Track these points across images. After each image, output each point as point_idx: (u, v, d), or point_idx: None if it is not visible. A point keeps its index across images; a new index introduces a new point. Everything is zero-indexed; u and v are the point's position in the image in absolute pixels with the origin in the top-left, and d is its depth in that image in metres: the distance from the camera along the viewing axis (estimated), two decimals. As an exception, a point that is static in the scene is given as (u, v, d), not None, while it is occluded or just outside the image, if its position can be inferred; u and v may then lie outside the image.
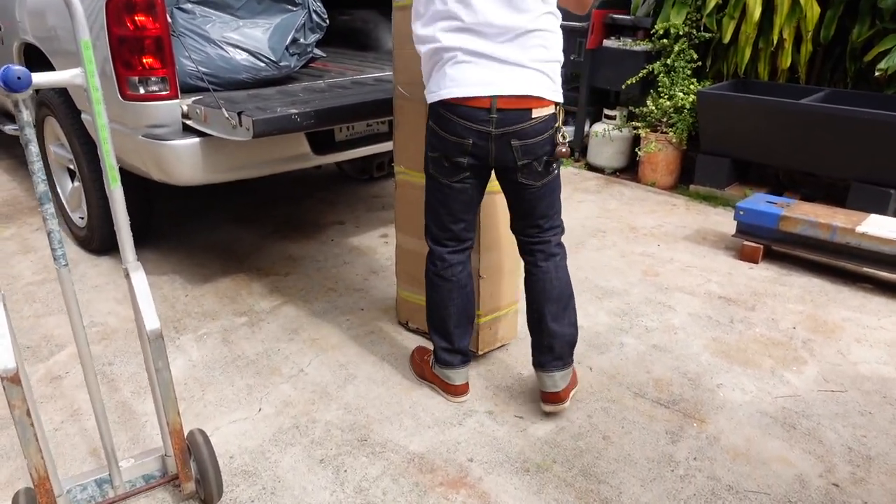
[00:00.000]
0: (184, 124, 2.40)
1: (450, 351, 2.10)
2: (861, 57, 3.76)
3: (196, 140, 2.36)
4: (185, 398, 2.17)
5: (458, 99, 1.76)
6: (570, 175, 4.49)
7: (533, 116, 1.76)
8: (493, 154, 1.81)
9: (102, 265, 3.11)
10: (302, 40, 2.75)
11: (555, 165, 1.87)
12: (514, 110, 1.75)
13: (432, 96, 1.82)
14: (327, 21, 2.89)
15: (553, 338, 1.98)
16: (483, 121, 1.76)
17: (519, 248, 2.04)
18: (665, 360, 2.38)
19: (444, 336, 2.09)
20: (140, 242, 3.27)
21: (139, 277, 1.52)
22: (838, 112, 3.37)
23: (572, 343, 2.03)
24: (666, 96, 4.08)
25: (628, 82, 4.22)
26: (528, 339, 2.08)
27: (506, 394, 2.19)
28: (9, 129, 3.73)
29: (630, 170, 4.51)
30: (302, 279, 3.00)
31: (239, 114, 2.13)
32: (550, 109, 1.79)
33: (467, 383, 2.16)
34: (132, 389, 2.22)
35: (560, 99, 1.83)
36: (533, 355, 2.06)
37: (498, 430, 2.02)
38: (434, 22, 1.76)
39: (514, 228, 2.01)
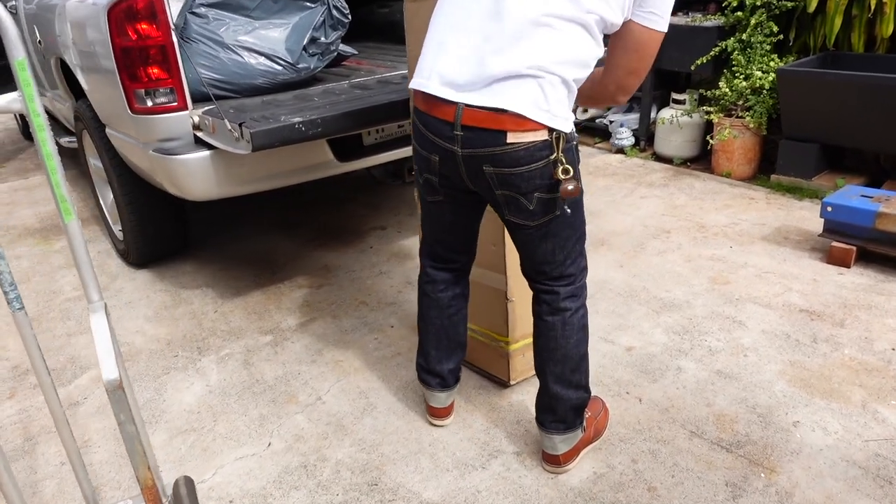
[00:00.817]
0: (195, 136, 2.27)
1: (425, 370, 1.91)
2: (981, 18, 3.19)
3: (207, 153, 2.23)
4: (196, 429, 2.04)
5: (421, 102, 1.48)
6: (634, 167, 4.11)
7: (508, 142, 1.37)
8: (465, 177, 1.49)
9: (139, 279, 3.07)
10: (322, 39, 2.56)
11: (552, 201, 1.46)
12: (483, 130, 1.38)
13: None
14: (349, 17, 2.68)
15: (555, 400, 1.69)
16: (447, 137, 1.44)
17: (532, 296, 1.71)
18: (730, 390, 2.05)
19: (422, 352, 1.92)
20: (177, 255, 3.22)
21: (99, 320, 1.37)
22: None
23: (579, 407, 1.72)
24: (742, 76, 3.63)
25: (698, 62, 3.79)
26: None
27: (538, 431, 1.93)
28: (65, 141, 3.78)
29: (702, 159, 4.08)
30: (334, 291, 2.84)
31: (240, 125, 1.97)
32: (541, 135, 1.37)
33: (448, 409, 1.96)
34: (145, 418, 2.12)
35: (560, 125, 1.38)
36: (535, 408, 1.77)
37: (525, 476, 1.77)
38: None
39: (521, 270, 1.70)
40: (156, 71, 2.17)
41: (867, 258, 2.74)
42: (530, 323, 1.98)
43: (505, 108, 1.35)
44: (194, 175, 2.24)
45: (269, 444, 1.96)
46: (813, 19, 3.52)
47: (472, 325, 2.07)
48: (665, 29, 1.44)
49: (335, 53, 2.67)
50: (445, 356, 1.89)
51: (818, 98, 3.27)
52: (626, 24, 1.43)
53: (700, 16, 3.85)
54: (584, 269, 1.65)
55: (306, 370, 2.30)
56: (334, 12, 2.58)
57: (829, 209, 2.73)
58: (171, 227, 3.02)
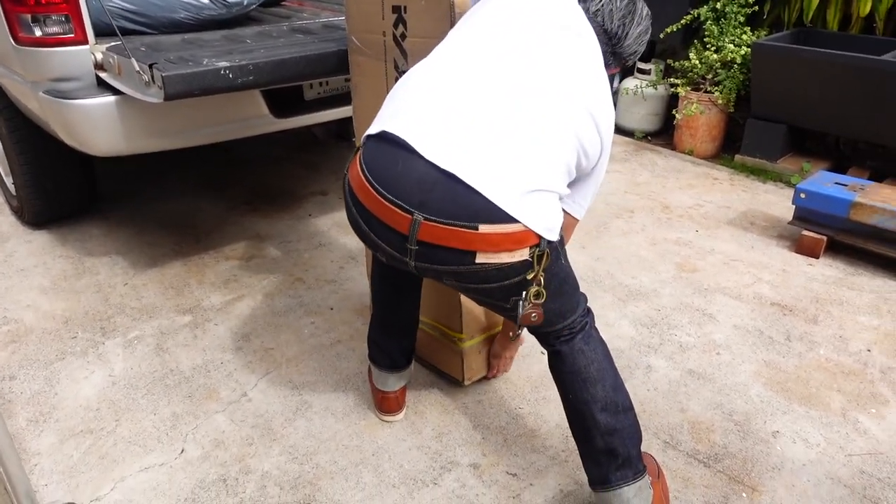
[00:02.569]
0: (98, 77, 1.87)
1: (376, 345, 1.69)
2: (957, 2, 3.08)
3: (111, 99, 1.85)
4: (93, 431, 1.71)
5: (360, 190, 1.17)
6: (594, 139, 3.89)
7: (477, 262, 1.11)
8: (420, 275, 1.25)
9: (35, 242, 2.64)
10: (261, -30, 2.19)
11: (530, 303, 1.20)
12: (443, 248, 1.11)
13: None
14: (295, -54, 2.30)
15: (610, 435, 1.33)
16: (399, 248, 1.16)
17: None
18: (705, 394, 1.87)
19: (373, 325, 1.69)
20: (83, 215, 2.80)
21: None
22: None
23: (637, 435, 1.38)
24: (713, 48, 3.43)
25: (667, 30, 3.57)
26: (529, 362, 1.58)
27: (498, 439, 1.70)
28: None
29: (664, 134, 3.90)
30: (266, 265, 2.51)
31: (151, 66, 1.60)
32: (520, 255, 1.12)
33: (398, 400, 1.73)
34: (30, 416, 1.77)
35: (549, 236, 1.14)
36: (586, 470, 1.41)
37: (484, 493, 1.54)
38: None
39: None
40: (46, -8, 1.75)
41: (835, 249, 2.62)
42: (487, 316, 1.74)
43: (485, 193, 1.09)
44: (96, 125, 1.86)
45: (182, 451, 1.65)
46: (789, -7, 3.35)
47: (424, 318, 1.80)
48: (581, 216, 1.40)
49: (273, -10, 2.29)
50: (395, 333, 1.67)
51: (792, 77, 3.11)
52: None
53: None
54: (583, 299, 1.39)
55: (230, 359, 1.99)
56: (273, -61, 2.19)
57: (803, 196, 2.58)
58: (74, 182, 2.60)
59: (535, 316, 1.19)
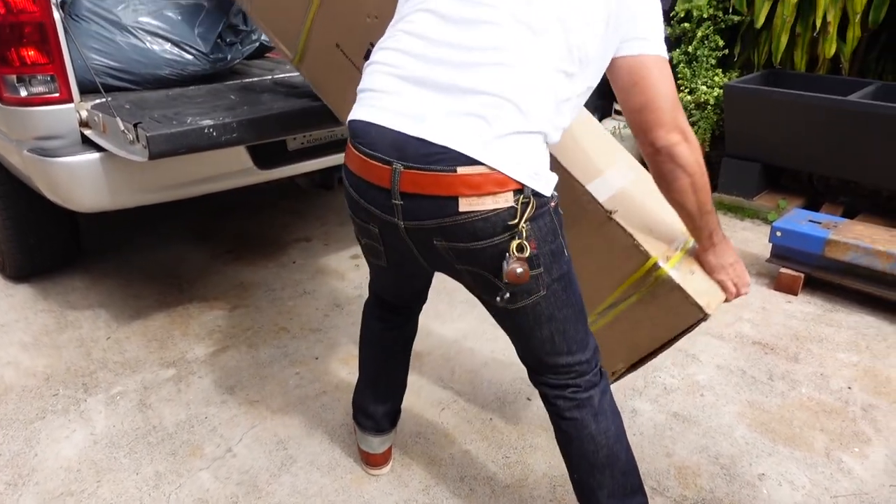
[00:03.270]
0: (83, 135, 1.89)
1: (360, 409, 1.69)
2: (917, 45, 3.21)
3: (96, 156, 1.86)
4: (73, 493, 1.68)
5: (351, 157, 1.17)
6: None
7: (461, 211, 1.06)
8: (415, 251, 1.19)
9: (17, 296, 2.62)
10: (242, 26, 2.23)
11: (541, 282, 1.15)
12: (428, 198, 1.07)
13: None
14: (277, 3, 2.36)
15: None
16: (385, 206, 1.13)
17: (538, 392, 1.37)
18: (690, 437, 1.88)
19: (358, 389, 1.70)
20: (67, 268, 2.79)
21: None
22: (894, 112, 2.82)
23: None
24: (686, 90, 3.53)
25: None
26: (515, 408, 1.58)
27: (485, 490, 1.69)
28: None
29: (643, 173, 3.97)
30: (251, 314, 2.51)
31: (136, 125, 1.62)
32: (504, 201, 1.06)
33: (384, 456, 1.73)
34: (9, 479, 1.73)
35: (532, 182, 1.08)
36: None
37: (472, 548, 1.53)
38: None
39: (519, 357, 1.36)
40: (31, 53, 1.78)
41: (813, 285, 2.67)
42: (656, 226, 1.42)
43: (460, 154, 1.04)
44: (80, 182, 1.87)
45: (166, 512, 1.63)
46: (758, 35, 3.47)
47: (604, 301, 1.49)
48: (662, 52, 1.18)
49: (257, 44, 2.34)
50: (382, 397, 1.66)
51: (764, 117, 3.20)
52: (613, 61, 1.18)
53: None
54: (596, 348, 1.31)
55: (215, 413, 1.97)
56: (256, -3, 2.24)
57: (779, 234, 2.64)
58: (58, 236, 2.59)
59: (520, 269, 1.08)
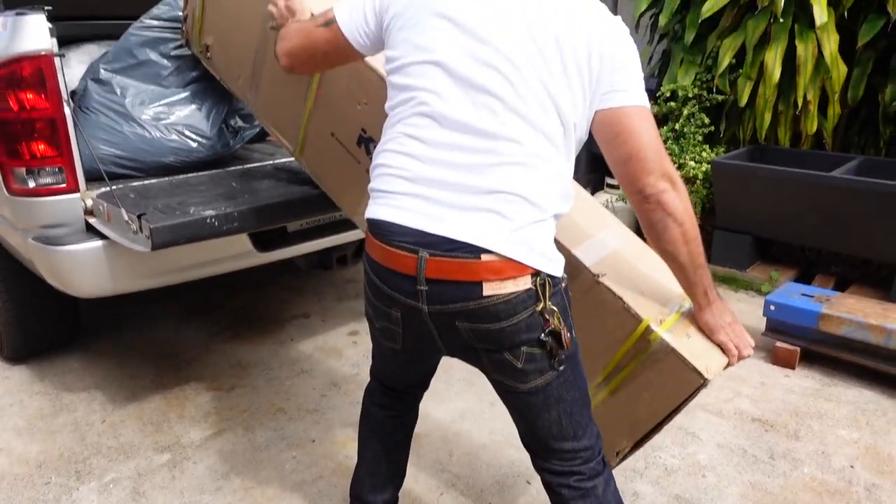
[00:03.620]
0: (87, 222, 1.94)
1: (357, 498, 1.65)
2: (895, 121, 3.33)
3: (99, 244, 1.90)
4: (61, 589, 1.64)
5: (374, 246, 1.22)
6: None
7: (485, 295, 1.13)
8: (436, 333, 1.23)
9: (13, 378, 2.61)
10: (246, 110, 2.32)
11: (549, 358, 1.19)
12: (453, 283, 1.13)
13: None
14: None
15: None
16: (409, 292, 1.18)
17: (540, 478, 1.37)
18: (693, 522, 1.85)
19: (356, 475, 1.66)
20: (65, 348, 2.79)
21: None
22: (878, 187, 2.90)
23: None
24: (675, 165, 3.64)
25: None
26: (514, 493, 1.55)
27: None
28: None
29: (637, 244, 4.03)
30: (248, 395, 2.49)
31: (140, 216, 1.67)
32: (524, 284, 1.13)
33: None
34: (-4, 575, 1.69)
35: (548, 268, 1.16)
36: None
37: None
38: (399, 77, 1.24)
39: (522, 442, 1.38)
40: (42, 147, 1.85)
41: (811, 358, 2.67)
42: (648, 289, 1.41)
43: (481, 246, 1.11)
44: (83, 269, 1.90)
45: None
46: (742, 113, 3.60)
47: (598, 377, 1.48)
48: (643, 102, 1.20)
49: (259, 128, 2.43)
50: (381, 486, 1.63)
51: (751, 192, 3.29)
52: (595, 115, 1.21)
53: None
54: (599, 435, 1.32)
55: (209, 501, 1.94)
56: (259, 87, 2.34)
57: (773, 308, 2.66)
58: (58, 318, 2.60)
59: (567, 334, 1.17)
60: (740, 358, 1.33)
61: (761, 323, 2.82)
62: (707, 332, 1.33)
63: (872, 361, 2.49)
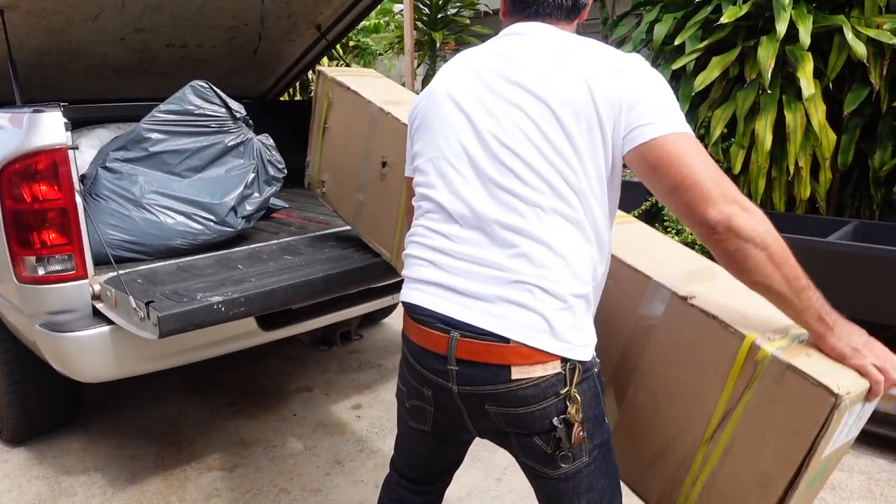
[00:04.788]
0: (94, 307, 1.96)
1: None
2: (886, 184, 3.40)
3: (105, 329, 1.92)
4: None
5: (409, 326, 1.25)
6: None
7: (514, 378, 1.12)
8: (465, 414, 1.23)
9: (12, 461, 2.58)
10: (256, 195, 2.38)
11: (584, 448, 1.17)
12: (482, 365, 1.14)
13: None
14: (285, 171, 2.53)
15: None
16: (440, 372, 1.19)
17: None
18: None
19: None
20: (66, 428, 2.77)
21: None
22: (875, 252, 2.93)
23: None
24: (674, 230, 3.69)
25: (632, 214, 3.85)
26: None
27: None
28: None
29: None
30: (250, 475, 2.45)
31: (147, 304, 1.69)
32: (552, 368, 1.12)
33: None
34: None
35: (573, 354, 1.14)
36: None
37: None
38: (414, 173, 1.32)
39: None
40: (52, 236, 1.89)
41: (819, 427, 2.64)
42: (756, 309, 1.23)
43: (505, 335, 1.11)
44: (89, 355, 1.92)
45: None
46: (736, 180, 3.67)
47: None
48: (675, 129, 1.10)
49: (264, 211, 2.48)
50: None
51: (749, 256, 3.31)
52: (626, 158, 1.16)
53: (629, 171, 3.96)
54: None
55: (211, 593, 1.89)
56: (269, 168, 2.41)
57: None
58: (60, 399, 2.59)
59: (582, 432, 1.13)
60: (890, 384, 1.10)
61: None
62: (839, 360, 1.12)
63: (883, 429, 2.46)
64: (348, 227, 2.67)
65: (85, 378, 1.98)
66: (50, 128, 1.82)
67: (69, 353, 1.92)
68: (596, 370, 1.20)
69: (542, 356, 1.12)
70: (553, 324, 1.12)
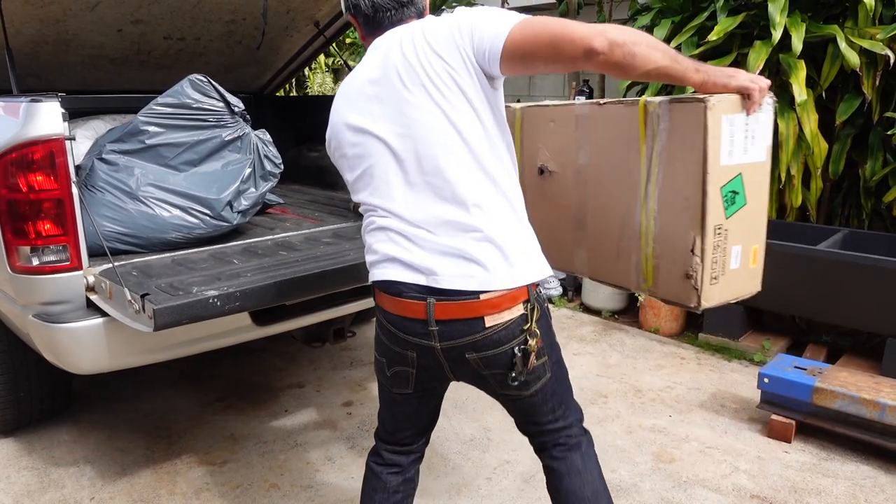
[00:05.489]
0: (88, 299, 1.96)
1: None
2: (876, 194, 3.44)
3: (99, 321, 1.91)
4: None
5: (385, 300, 1.40)
6: (563, 319, 4.04)
7: (488, 326, 1.33)
8: (447, 366, 1.42)
9: (1, 451, 2.56)
10: (252, 190, 2.38)
11: (540, 365, 1.43)
12: (459, 321, 1.33)
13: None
14: (281, 167, 2.53)
15: None
16: (421, 334, 1.37)
17: (532, 447, 1.61)
18: None
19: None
20: (55, 419, 2.75)
21: None
22: (863, 261, 2.97)
23: None
24: (666, 235, 3.71)
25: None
26: None
27: None
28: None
29: (630, 311, 4.07)
30: (241, 470, 2.45)
31: (143, 296, 1.69)
32: (517, 310, 1.35)
33: None
34: None
35: (527, 277, 1.36)
36: None
37: None
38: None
39: (518, 428, 1.60)
40: (48, 226, 1.88)
41: (806, 431, 2.67)
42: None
43: (475, 288, 1.31)
44: (81, 347, 1.91)
45: None
46: (729, 186, 3.70)
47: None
48: (509, 27, 1.27)
49: (260, 206, 2.48)
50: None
51: (740, 262, 3.34)
52: (495, 71, 1.32)
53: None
54: (580, 409, 1.59)
55: (200, 586, 1.89)
56: (266, 163, 2.41)
57: (766, 381, 2.68)
58: (50, 390, 2.58)
59: (537, 362, 1.39)
60: (762, 92, 1.38)
61: (755, 394, 2.84)
62: (721, 92, 1.36)
63: (868, 436, 2.49)
64: (343, 224, 2.68)
65: (77, 370, 1.97)
66: (47, 118, 1.81)
67: (62, 345, 1.91)
68: (546, 305, 1.44)
69: (509, 302, 1.33)
70: (508, 255, 1.33)
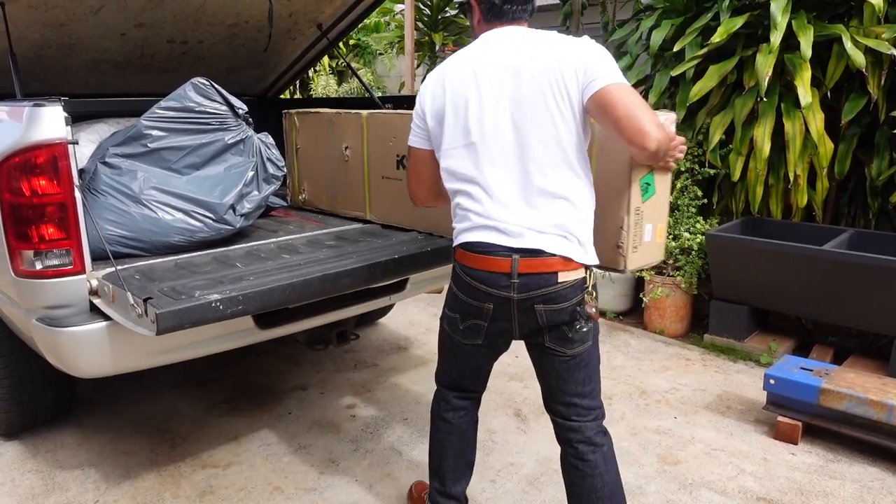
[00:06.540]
0: (91, 303, 1.95)
1: (443, 494, 1.96)
2: (883, 194, 3.42)
3: (102, 325, 1.90)
4: None
5: (470, 259, 1.66)
6: (567, 319, 4.01)
7: (560, 281, 1.60)
8: (516, 318, 1.66)
9: (6, 455, 2.57)
10: (255, 193, 2.37)
11: (586, 331, 1.67)
12: (537, 274, 1.60)
13: (455, 237, 1.74)
14: (284, 170, 2.53)
15: None
16: (503, 286, 1.62)
17: (556, 435, 1.81)
18: None
19: (440, 478, 1.97)
20: (59, 422, 2.76)
21: None
22: (870, 261, 2.95)
23: None
24: (670, 236, 3.70)
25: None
26: None
27: None
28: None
29: (634, 313, 4.06)
30: (244, 472, 2.45)
31: (146, 300, 1.69)
32: (581, 273, 1.63)
33: None
34: None
35: (591, 261, 1.66)
36: None
37: None
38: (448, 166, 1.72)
39: (547, 408, 1.81)
40: (51, 230, 1.88)
41: (813, 432, 2.65)
42: None
43: (554, 252, 1.58)
44: (85, 351, 1.90)
45: None
46: (734, 186, 3.68)
47: None
48: (616, 80, 1.55)
49: (262, 209, 2.47)
50: (461, 477, 1.98)
51: (746, 263, 3.33)
52: (585, 106, 1.59)
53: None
54: (603, 404, 1.79)
55: (203, 590, 1.89)
56: (269, 166, 2.41)
57: (773, 382, 2.66)
58: (53, 393, 2.59)
59: (594, 310, 1.66)
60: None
61: (761, 395, 2.82)
62: None
63: (875, 437, 2.48)
64: (346, 227, 2.68)
65: (81, 373, 1.97)
66: (50, 122, 1.81)
67: (65, 348, 1.91)
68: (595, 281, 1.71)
69: (576, 264, 1.61)
70: (582, 243, 1.63)
